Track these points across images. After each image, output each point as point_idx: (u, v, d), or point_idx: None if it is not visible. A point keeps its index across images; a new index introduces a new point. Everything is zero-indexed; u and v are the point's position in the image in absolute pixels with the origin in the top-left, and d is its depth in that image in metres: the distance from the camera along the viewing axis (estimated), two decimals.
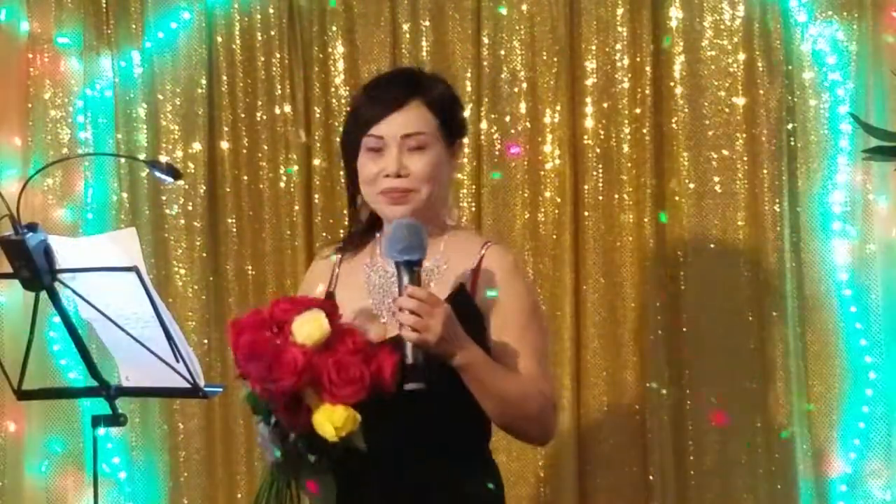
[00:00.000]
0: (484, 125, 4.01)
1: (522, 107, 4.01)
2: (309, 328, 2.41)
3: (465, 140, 2.83)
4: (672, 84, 3.96)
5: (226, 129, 4.13)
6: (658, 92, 3.96)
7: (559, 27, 3.98)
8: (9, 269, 2.35)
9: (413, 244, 2.50)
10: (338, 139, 4.05)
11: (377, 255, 2.74)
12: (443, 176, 2.69)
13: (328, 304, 2.54)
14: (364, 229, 2.79)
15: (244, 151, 4.13)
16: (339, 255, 2.82)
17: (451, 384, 2.56)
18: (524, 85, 4.01)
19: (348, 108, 2.88)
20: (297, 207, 4.08)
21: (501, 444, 3.94)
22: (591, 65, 3.99)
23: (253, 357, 2.40)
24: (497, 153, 4.01)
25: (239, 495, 4.10)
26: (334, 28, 4.09)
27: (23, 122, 4.10)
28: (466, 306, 2.61)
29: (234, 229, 4.12)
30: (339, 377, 2.39)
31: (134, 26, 4.12)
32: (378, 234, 2.77)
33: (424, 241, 2.52)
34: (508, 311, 2.63)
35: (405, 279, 2.50)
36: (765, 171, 3.91)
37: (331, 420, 2.38)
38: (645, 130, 3.94)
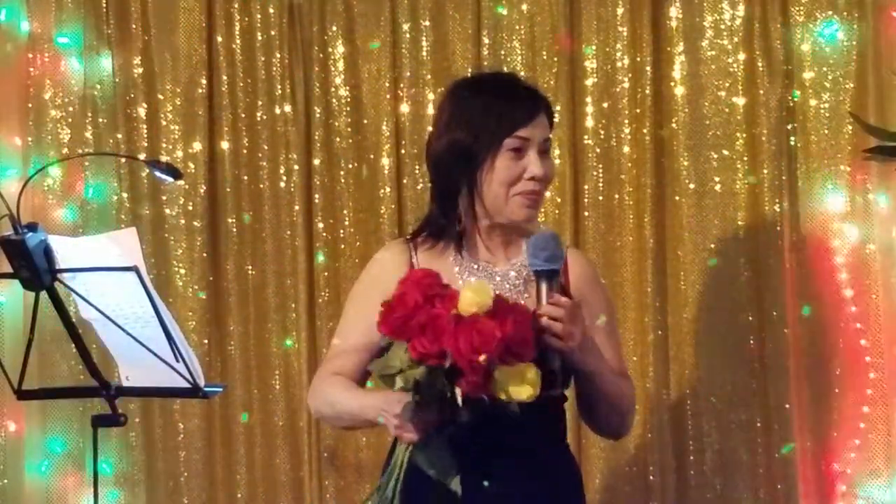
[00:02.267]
0: None
1: None
2: (479, 298, 2.42)
3: None
4: (672, 84, 3.96)
5: (226, 129, 4.12)
6: (658, 92, 3.96)
7: (559, 27, 3.98)
8: (9, 269, 2.35)
9: (556, 254, 2.57)
10: (338, 139, 4.08)
11: (463, 255, 2.77)
12: None
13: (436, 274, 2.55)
14: (445, 225, 2.78)
15: (244, 151, 4.13)
16: (412, 245, 2.82)
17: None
18: None
19: (457, 108, 2.81)
20: (297, 207, 4.08)
21: None
22: (591, 65, 3.99)
23: (441, 333, 2.39)
24: None
25: (239, 495, 4.10)
26: (334, 28, 4.09)
27: (23, 122, 4.10)
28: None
29: (234, 229, 4.12)
30: (518, 336, 2.40)
31: (134, 26, 4.12)
32: (459, 232, 2.78)
33: (564, 253, 2.61)
34: (599, 310, 2.73)
35: (544, 287, 2.55)
36: (765, 171, 3.91)
37: (526, 380, 2.42)
38: (645, 130, 3.94)
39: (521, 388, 2.41)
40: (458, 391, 2.40)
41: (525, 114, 2.71)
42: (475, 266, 2.76)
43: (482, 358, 2.35)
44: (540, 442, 2.69)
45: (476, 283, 2.49)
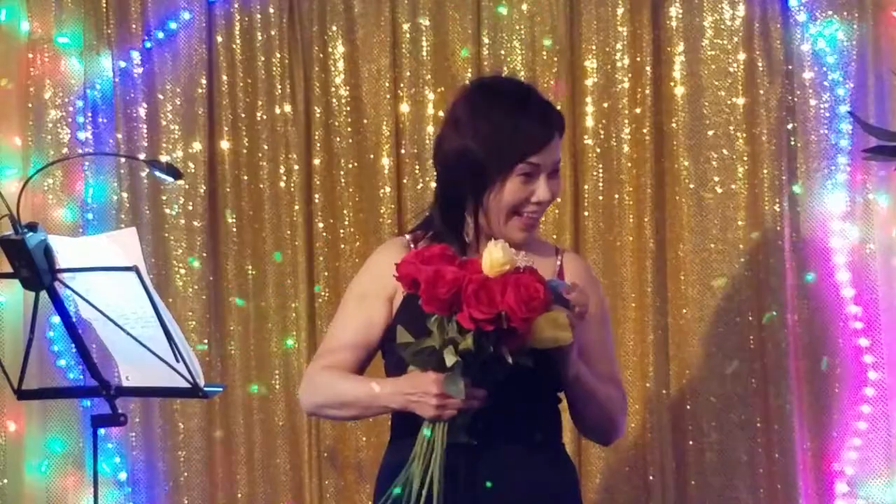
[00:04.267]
0: None
1: None
2: (507, 256, 2.45)
3: None
4: (672, 84, 3.97)
5: (226, 129, 4.13)
6: (658, 92, 3.96)
7: (559, 27, 3.98)
8: (9, 269, 2.35)
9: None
10: (338, 139, 4.09)
11: (456, 251, 2.72)
12: None
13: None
14: (444, 232, 2.77)
15: (244, 151, 4.13)
16: (411, 243, 2.81)
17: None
18: None
19: (471, 115, 2.75)
20: (297, 207, 4.08)
21: None
22: (591, 65, 3.99)
23: (491, 298, 2.41)
24: None
25: (239, 495, 4.10)
26: (334, 28, 4.09)
27: (23, 122, 4.10)
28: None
29: (235, 229, 4.12)
30: (545, 289, 2.45)
31: (134, 26, 4.12)
32: (467, 240, 2.77)
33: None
34: (591, 314, 2.67)
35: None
36: (765, 171, 3.91)
37: (557, 325, 2.46)
38: (645, 130, 3.95)
39: (560, 332, 2.46)
40: (505, 351, 2.44)
41: (538, 139, 2.68)
42: None
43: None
44: (534, 443, 2.68)
45: (498, 243, 2.48)
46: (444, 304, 2.42)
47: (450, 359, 2.44)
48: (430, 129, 4.02)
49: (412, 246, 2.78)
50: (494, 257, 2.44)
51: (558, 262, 2.77)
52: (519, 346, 2.45)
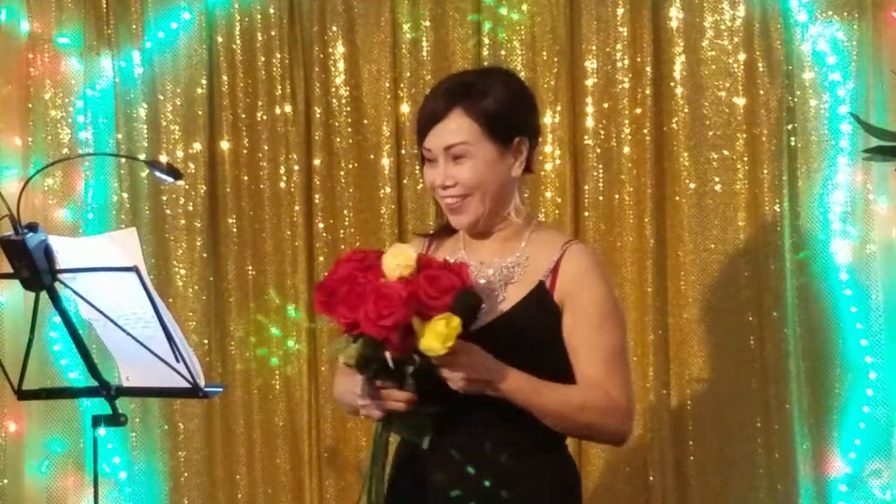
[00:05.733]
0: None
1: None
2: (399, 260, 2.45)
3: (530, 135, 2.73)
4: (672, 84, 3.97)
5: (226, 129, 4.13)
6: (658, 92, 3.96)
7: (559, 27, 3.98)
8: (9, 269, 2.35)
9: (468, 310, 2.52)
10: (338, 139, 4.09)
11: (461, 248, 2.76)
12: (496, 178, 2.68)
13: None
14: (447, 223, 2.78)
15: (244, 151, 4.13)
16: (428, 242, 2.83)
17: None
18: None
19: None
20: (297, 207, 4.08)
21: None
22: (591, 65, 4.00)
23: (358, 303, 2.42)
24: None
25: (239, 495, 4.11)
26: (334, 28, 4.09)
27: (23, 122, 4.10)
28: (544, 304, 2.63)
29: (235, 229, 4.13)
30: (434, 289, 2.42)
31: (134, 26, 4.13)
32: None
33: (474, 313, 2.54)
34: (581, 311, 2.64)
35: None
36: (765, 171, 3.91)
37: (436, 333, 2.41)
38: (645, 130, 3.95)
39: (434, 343, 2.41)
40: (388, 356, 2.44)
41: (425, 124, 2.69)
42: (452, 256, 2.74)
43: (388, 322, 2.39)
44: (484, 454, 2.63)
45: (396, 247, 2.49)
46: (322, 305, 2.46)
47: (341, 359, 2.50)
48: None
49: (427, 243, 2.82)
50: (386, 263, 2.45)
51: (559, 255, 2.68)
52: (402, 352, 2.43)
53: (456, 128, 2.65)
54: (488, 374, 2.53)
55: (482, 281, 2.67)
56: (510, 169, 2.68)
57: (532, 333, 2.59)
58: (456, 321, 2.42)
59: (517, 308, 2.63)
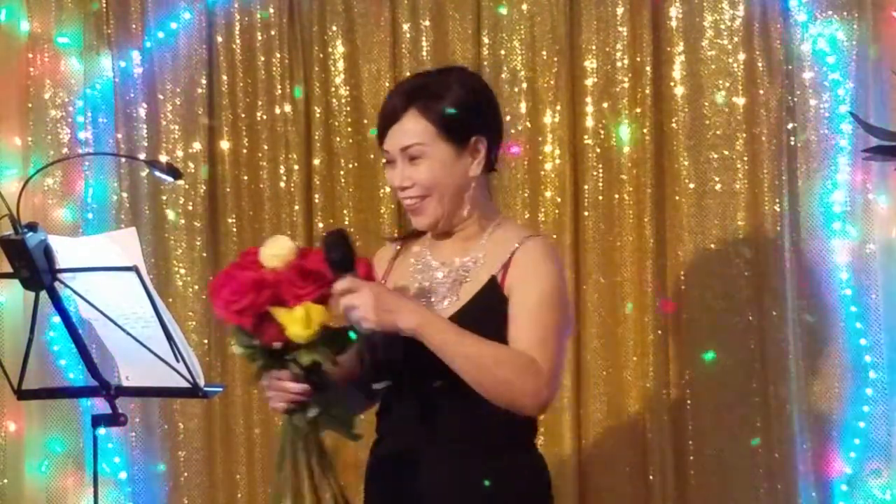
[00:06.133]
0: None
1: (522, 107, 4.01)
2: (272, 249, 2.44)
3: (489, 134, 2.73)
4: (672, 84, 3.96)
5: (226, 129, 4.13)
6: (658, 92, 3.96)
7: (559, 27, 3.98)
8: (9, 269, 2.35)
9: (343, 258, 2.49)
10: (338, 139, 4.09)
11: (426, 248, 2.78)
12: (453, 178, 2.68)
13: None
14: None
15: (244, 151, 4.13)
16: (400, 245, 2.85)
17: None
18: (524, 85, 4.01)
19: None
20: (297, 207, 4.08)
21: None
22: (591, 65, 3.99)
23: (217, 290, 2.44)
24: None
25: (239, 495, 4.10)
26: (334, 28, 4.09)
27: (23, 122, 4.10)
28: (494, 299, 2.63)
29: (235, 229, 4.13)
30: (300, 277, 2.41)
31: (134, 26, 4.13)
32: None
33: (344, 248, 2.51)
34: (523, 294, 2.62)
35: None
36: (765, 171, 3.91)
37: (294, 320, 2.40)
38: (645, 130, 3.94)
39: (293, 327, 2.40)
40: (256, 343, 2.45)
41: (381, 127, 2.72)
42: (423, 264, 2.75)
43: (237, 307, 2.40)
44: (422, 444, 2.64)
45: (274, 238, 2.49)
46: (210, 299, 2.48)
47: (235, 351, 2.51)
48: None
49: (398, 245, 2.85)
50: (262, 253, 2.45)
51: (510, 254, 2.67)
52: (271, 339, 2.43)
53: (411, 129, 2.66)
54: (395, 307, 2.48)
55: (439, 276, 2.69)
56: (468, 168, 2.69)
57: (482, 332, 2.55)
58: (317, 309, 2.41)
59: (467, 306, 2.63)
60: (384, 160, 2.72)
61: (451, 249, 2.73)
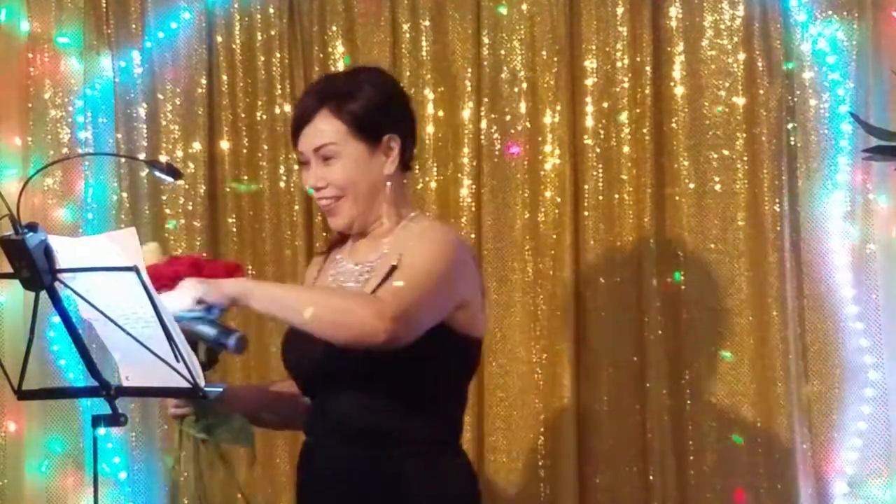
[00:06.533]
0: (484, 125, 4.01)
1: (522, 107, 4.01)
2: (146, 255, 2.47)
3: (401, 132, 2.74)
4: (672, 84, 3.96)
5: (226, 129, 4.13)
6: (658, 92, 3.96)
7: (559, 27, 3.98)
8: (9, 269, 2.35)
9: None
10: None
11: (345, 252, 2.80)
12: (367, 177, 2.70)
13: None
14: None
15: (244, 151, 4.13)
16: (326, 254, 2.88)
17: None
18: (524, 85, 4.01)
19: None
20: (296, 207, 4.08)
21: (501, 443, 3.96)
22: (591, 65, 3.99)
23: None
24: (497, 153, 4.02)
25: (239, 495, 4.09)
26: (334, 28, 4.09)
27: (23, 122, 4.10)
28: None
29: (235, 229, 4.12)
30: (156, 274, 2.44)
31: (134, 26, 4.12)
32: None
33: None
34: (405, 258, 2.61)
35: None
36: (765, 171, 3.91)
37: None
38: (645, 130, 3.94)
39: None
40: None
41: (294, 128, 2.74)
42: (340, 270, 2.77)
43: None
44: (395, 454, 2.63)
45: (146, 246, 2.53)
46: None
47: None
48: (430, 129, 4.02)
49: (318, 258, 2.93)
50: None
51: (387, 240, 2.71)
52: None
53: (323, 129, 2.68)
54: (216, 284, 2.48)
55: (352, 278, 2.71)
56: (382, 167, 2.71)
57: None
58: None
59: None
60: (299, 162, 2.74)
61: (367, 249, 2.74)
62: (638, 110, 3.96)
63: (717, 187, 3.95)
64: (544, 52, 4.00)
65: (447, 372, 2.65)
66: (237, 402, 2.75)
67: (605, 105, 3.98)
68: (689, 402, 3.94)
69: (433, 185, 4.02)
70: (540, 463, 3.96)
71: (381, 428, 2.63)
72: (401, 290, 2.51)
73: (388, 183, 2.71)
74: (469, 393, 2.83)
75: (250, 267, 4.10)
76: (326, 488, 2.67)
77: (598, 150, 3.98)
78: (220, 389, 2.60)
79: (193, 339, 2.45)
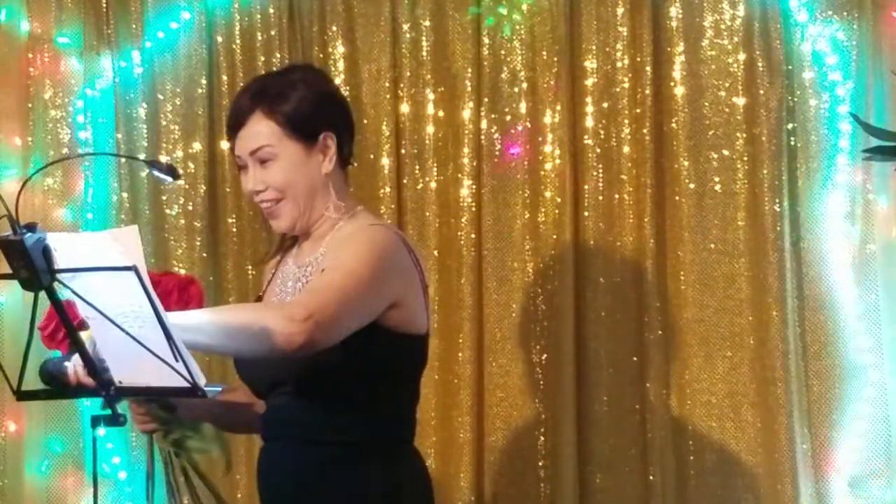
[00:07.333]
0: (484, 125, 4.01)
1: (522, 107, 4.01)
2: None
3: (337, 130, 2.71)
4: (672, 84, 3.96)
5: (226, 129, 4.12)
6: (658, 92, 3.96)
7: (559, 27, 3.98)
8: (8, 269, 2.35)
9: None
10: None
11: (291, 255, 2.79)
12: (306, 176, 2.67)
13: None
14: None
15: None
16: (279, 257, 2.85)
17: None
18: (524, 85, 4.01)
19: None
20: None
21: (500, 443, 3.96)
22: (591, 65, 3.99)
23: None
24: (497, 153, 4.02)
25: (239, 495, 4.10)
26: (334, 28, 4.09)
27: (23, 122, 4.10)
28: None
29: (235, 229, 4.12)
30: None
31: (134, 26, 4.12)
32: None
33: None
34: (330, 259, 2.59)
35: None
36: (765, 171, 3.91)
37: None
38: (645, 130, 3.94)
39: None
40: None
41: (229, 132, 2.72)
42: (285, 274, 2.77)
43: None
44: (339, 453, 2.62)
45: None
46: None
47: None
48: (430, 129, 4.02)
49: (271, 262, 2.89)
50: None
51: (326, 240, 2.69)
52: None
53: (257, 131, 2.66)
54: None
55: (293, 281, 2.71)
56: (319, 166, 2.68)
57: None
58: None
59: None
60: (238, 166, 2.72)
61: (309, 249, 2.73)
62: (638, 110, 3.96)
63: (717, 187, 3.95)
64: (544, 52, 4.00)
65: (392, 371, 2.63)
66: (191, 412, 2.74)
67: (605, 105, 3.98)
68: (688, 402, 3.94)
69: (433, 185, 4.02)
70: (540, 463, 3.96)
71: (328, 429, 2.62)
72: (314, 292, 2.47)
73: (329, 182, 2.69)
74: (428, 389, 2.84)
75: (250, 267, 4.10)
76: (280, 491, 2.67)
77: (598, 150, 3.98)
78: (220, 389, 2.59)
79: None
